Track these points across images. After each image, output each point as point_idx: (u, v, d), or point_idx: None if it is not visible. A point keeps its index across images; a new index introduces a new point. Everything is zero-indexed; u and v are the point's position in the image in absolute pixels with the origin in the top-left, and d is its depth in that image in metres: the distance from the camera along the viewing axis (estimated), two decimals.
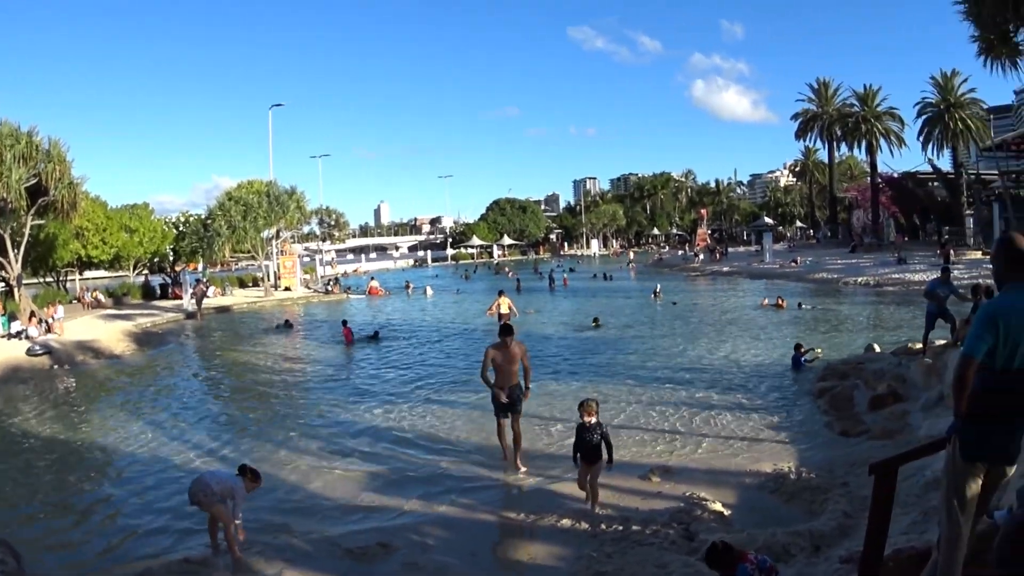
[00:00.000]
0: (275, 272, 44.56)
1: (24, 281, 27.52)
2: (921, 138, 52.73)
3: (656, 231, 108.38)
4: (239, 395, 16.13)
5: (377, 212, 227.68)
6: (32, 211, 25.03)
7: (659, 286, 31.81)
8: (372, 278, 47.43)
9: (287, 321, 27.95)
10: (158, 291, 41.06)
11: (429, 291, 40.69)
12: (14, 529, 7.86)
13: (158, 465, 10.37)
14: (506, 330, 8.42)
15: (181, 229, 46.55)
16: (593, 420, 7.16)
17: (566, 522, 7.08)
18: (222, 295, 41.18)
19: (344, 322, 23.24)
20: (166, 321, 30.48)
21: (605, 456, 7.21)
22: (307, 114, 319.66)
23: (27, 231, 25.56)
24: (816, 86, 63.39)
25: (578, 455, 7.26)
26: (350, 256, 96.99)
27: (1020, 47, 20.23)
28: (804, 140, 65.91)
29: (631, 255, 69.78)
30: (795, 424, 10.59)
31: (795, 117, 64.27)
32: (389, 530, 7.24)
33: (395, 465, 9.63)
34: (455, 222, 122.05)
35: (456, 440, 10.66)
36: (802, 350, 14.57)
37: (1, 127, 24.50)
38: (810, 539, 6.12)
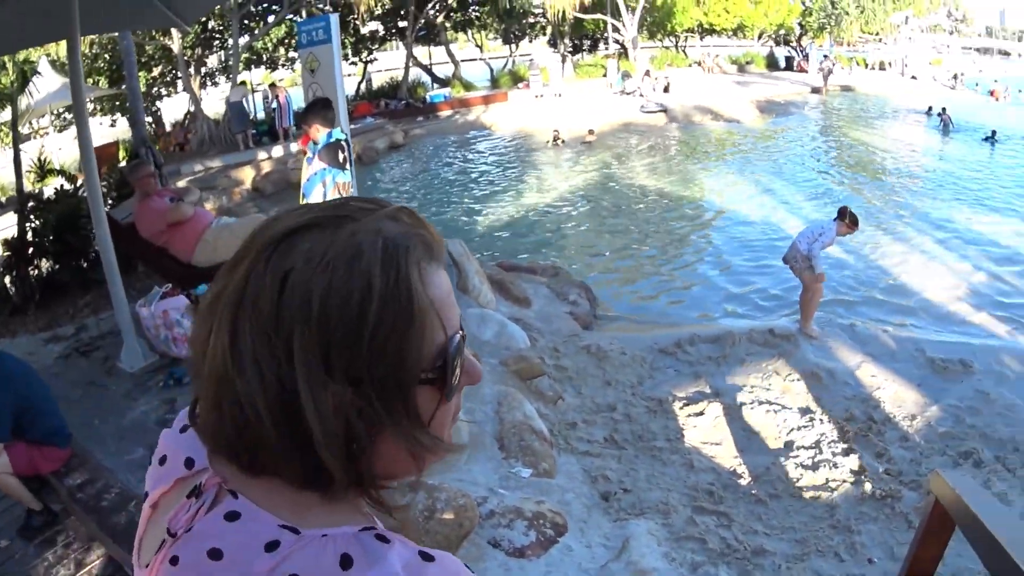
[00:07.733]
0: (902, 60, 41.09)
1: (640, 44, 30.02)
2: None
3: None
4: (855, 173, 15.35)
5: (1002, 15, 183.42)
6: None
7: None
8: (996, 80, 40.54)
9: (931, 108, 24.14)
10: (782, 63, 40.26)
11: None
12: (595, 270, 8.10)
13: (758, 232, 9.96)
14: None
15: (807, 5, 45.20)
16: None
17: None
18: (848, 75, 38.49)
19: (942, 110, 21.59)
20: (789, 93, 29.11)
21: None
22: None
23: None
24: None
25: None
26: (974, 54, 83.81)
27: None
28: None
29: None
30: None
31: None
32: (974, 349, 6.40)
33: (994, 282, 8.80)
34: None
35: None
36: None
37: None
38: None
